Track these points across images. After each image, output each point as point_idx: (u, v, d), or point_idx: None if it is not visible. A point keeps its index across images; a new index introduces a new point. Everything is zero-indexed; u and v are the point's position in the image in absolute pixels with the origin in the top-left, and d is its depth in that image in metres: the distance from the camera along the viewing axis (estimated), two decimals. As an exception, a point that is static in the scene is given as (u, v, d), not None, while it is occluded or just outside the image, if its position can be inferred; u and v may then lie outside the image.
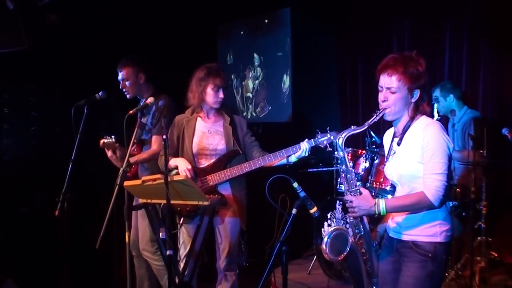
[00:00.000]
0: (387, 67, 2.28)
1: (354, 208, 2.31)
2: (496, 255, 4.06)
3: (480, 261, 3.98)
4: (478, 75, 4.73)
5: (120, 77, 3.71)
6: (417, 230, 2.27)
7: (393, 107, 2.29)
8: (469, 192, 3.95)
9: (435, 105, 4.17)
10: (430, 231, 2.25)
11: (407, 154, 2.30)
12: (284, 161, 3.23)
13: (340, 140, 2.39)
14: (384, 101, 2.30)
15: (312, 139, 3.11)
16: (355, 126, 2.43)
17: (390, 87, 2.27)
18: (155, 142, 3.62)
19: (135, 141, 3.69)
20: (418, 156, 2.24)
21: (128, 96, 3.74)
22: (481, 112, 4.52)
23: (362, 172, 4.30)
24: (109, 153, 3.46)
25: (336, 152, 2.43)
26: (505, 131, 3.85)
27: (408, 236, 2.29)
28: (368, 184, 4.16)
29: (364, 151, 4.37)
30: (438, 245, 2.23)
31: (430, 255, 2.22)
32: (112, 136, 3.35)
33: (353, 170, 2.46)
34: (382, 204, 2.25)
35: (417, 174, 2.25)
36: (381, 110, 2.31)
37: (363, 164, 4.31)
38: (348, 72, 5.76)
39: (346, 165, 2.42)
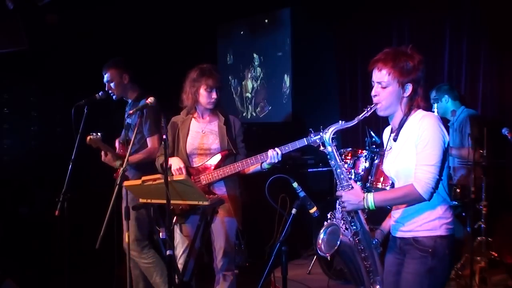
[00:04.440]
0: (378, 61, 2.25)
1: (343, 203, 2.29)
2: (496, 255, 4.05)
3: (480, 261, 3.98)
4: (478, 75, 4.73)
5: (105, 79, 3.76)
6: (416, 225, 2.24)
7: (384, 102, 2.26)
8: (469, 192, 3.95)
9: (435, 105, 4.16)
10: (429, 225, 2.21)
11: (403, 149, 2.26)
12: (258, 167, 3.26)
13: (327, 135, 2.34)
14: (375, 96, 2.28)
15: (304, 138, 3.10)
16: (343, 122, 2.36)
17: (381, 82, 2.24)
18: (150, 142, 3.66)
19: (120, 141, 3.71)
20: (414, 149, 2.20)
21: (114, 97, 3.77)
22: (481, 112, 4.52)
23: (362, 172, 4.29)
24: (103, 156, 3.48)
25: (325, 148, 2.36)
26: (505, 131, 3.85)
27: (409, 232, 2.26)
28: (369, 184, 4.15)
29: (364, 151, 4.37)
30: (439, 239, 2.19)
31: (430, 250, 2.19)
32: (99, 134, 3.35)
33: (343, 164, 2.38)
34: (370, 198, 2.22)
35: (414, 168, 2.21)
36: (373, 105, 2.28)
37: (363, 164, 4.30)
38: (348, 72, 5.76)
39: (336, 160, 2.36)
